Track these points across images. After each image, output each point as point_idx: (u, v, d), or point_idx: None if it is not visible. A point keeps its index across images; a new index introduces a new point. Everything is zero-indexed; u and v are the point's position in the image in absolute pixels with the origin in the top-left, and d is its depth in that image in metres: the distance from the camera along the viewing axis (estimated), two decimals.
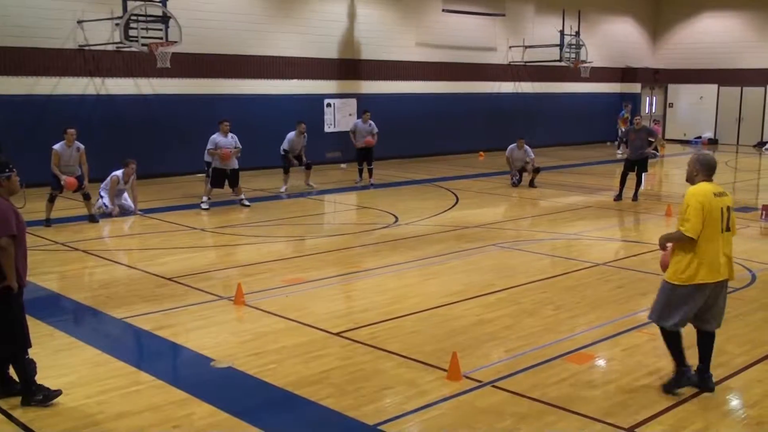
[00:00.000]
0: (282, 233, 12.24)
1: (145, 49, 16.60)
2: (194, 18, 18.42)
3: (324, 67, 21.76)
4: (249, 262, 10.22)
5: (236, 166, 14.48)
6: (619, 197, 15.67)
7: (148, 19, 16.89)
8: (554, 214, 14.26)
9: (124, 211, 13.68)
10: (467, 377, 6.14)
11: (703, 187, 5.74)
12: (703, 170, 5.83)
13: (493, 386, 6.01)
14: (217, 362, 6.52)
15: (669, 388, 5.91)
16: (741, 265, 10.08)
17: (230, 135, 14.49)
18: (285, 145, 16.49)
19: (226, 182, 14.37)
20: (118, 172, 13.50)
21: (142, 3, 16.67)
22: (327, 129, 21.61)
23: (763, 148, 28.42)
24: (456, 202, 15.39)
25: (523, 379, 6.18)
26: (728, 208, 5.78)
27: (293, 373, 6.25)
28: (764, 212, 13.74)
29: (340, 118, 21.89)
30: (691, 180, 5.88)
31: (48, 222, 12.36)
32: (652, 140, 16.46)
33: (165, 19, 16.94)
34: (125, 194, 13.89)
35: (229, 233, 12.21)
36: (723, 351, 6.87)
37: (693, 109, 31.76)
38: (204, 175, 15.09)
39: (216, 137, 14.39)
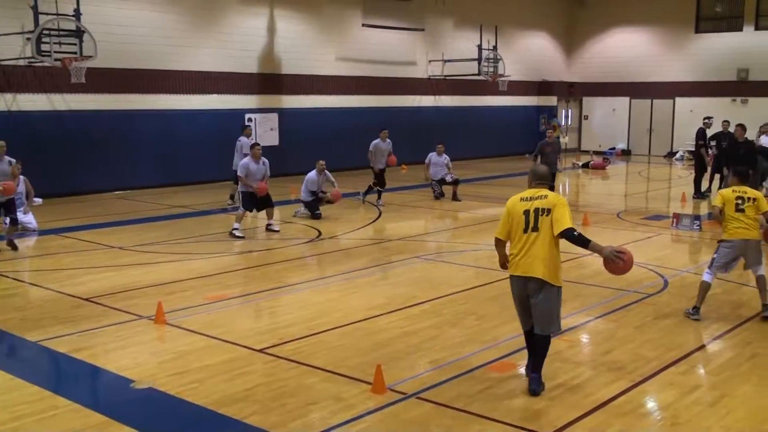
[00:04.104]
0: (204, 250, 12.07)
1: (59, 64, 16.19)
2: (110, 32, 18.07)
3: (244, 81, 21.61)
4: (170, 280, 10.04)
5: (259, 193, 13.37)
6: None
7: (61, 33, 16.49)
8: (476, 226, 14.47)
9: (27, 231, 13.18)
10: (392, 390, 6.17)
11: (516, 195, 6.32)
12: (533, 176, 6.41)
13: (418, 398, 6.06)
14: (137, 383, 6.38)
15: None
16: (654, 272, 10.46)
17: (262, 160, 13.41)
18: (311, 187, 14.95)
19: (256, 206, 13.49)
20: None
21: (55, 17, 16.26)
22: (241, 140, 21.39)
23: (674, 158, 29.48)
24: (379, 216, 15.48)
25: (447, 389, 6.25)
26: (537, 210, 6.08)
27: (216, 392, 6.17)
28: (675, 220, 14.26)
29: (261, 132, 21.75)
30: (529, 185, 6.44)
31: None
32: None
33: (79, 33, 16.56)
34: (30, 214, 13.40)
35: (149, 251, 11.97)
36: (638, 355, 7.11)
37: (607, 121, 32.78)
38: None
39: (247, 162, 13.29)
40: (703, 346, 7.51)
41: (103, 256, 11.60)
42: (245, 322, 8.26)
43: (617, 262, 6.04)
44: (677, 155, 29.66)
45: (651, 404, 6.11)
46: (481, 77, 26.95)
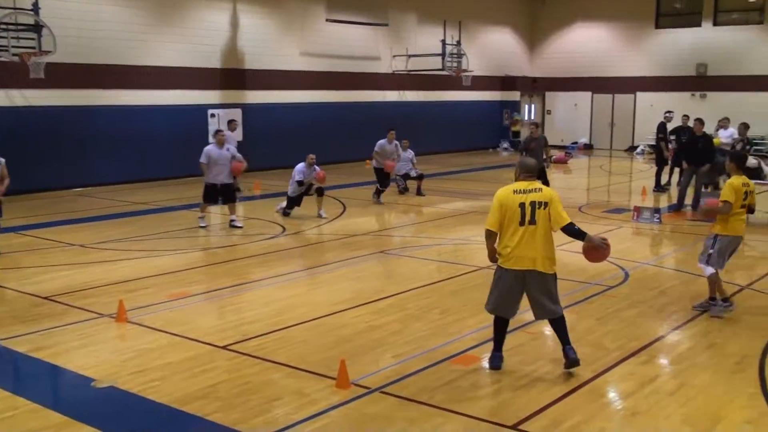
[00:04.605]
0: (166, 247, 11.96)
1: (17, 59, 15.91)
2: (70, 27, 17.81)
3: (207, 76, 21.43)
4: (132, 277, 9.93)
5: (229, 181, 13.43)
6: None
7: (19, 27, 16.21)
8: (440, 220, 14.53)
9: None
10: (356, 384, 6.17)
11: (507, 187, 6.36)
12: (521, 169, 6.46)
13: (382, 392, 6.07)
14: (98, 382, 6.30)
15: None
16: (615, 264, 10.58)
17: (226, 146, 13.33)
18: (298, 177, 14.48)
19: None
20: None
21: (12, 11, 15.98)
22: (211, 140, 21.23)
23: (635, 152, 29.85)
24: (343, 211, 15.46)
25: (411, 383, 6.27)
26: (534, 203, 6.17)
27: (179, 389, 6.12)
28: (636, 213, 14.45)
29: (224, 128, 21.56)
30: (516, 178, 6.50)
31: None
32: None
33: (38, 28, 16.29)
34: None
35: (110, 248, 11.83)
36: (600, 346, 7.20)
37: (569, 115, 33.08)
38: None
39: (210, 148, 13.24)
40: (662, 337, 7.62)
41: (64, 254, 11.43)
42: (208, 319, 8.20)
43: (604, 248, 6.38)
44: (638, 149, 30.04)
45: (612, 394, 6.19)
46: (445, 72, 27.03)
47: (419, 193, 17.64)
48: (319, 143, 23.78)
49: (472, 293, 9.18)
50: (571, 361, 6.37)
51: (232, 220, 13.53)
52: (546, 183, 15.31)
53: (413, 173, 17.92)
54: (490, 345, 7.21)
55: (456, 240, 12.70)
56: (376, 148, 17.00)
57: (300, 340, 7.40)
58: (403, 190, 17.91)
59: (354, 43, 25.50)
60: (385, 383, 6.24)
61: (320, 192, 14.49)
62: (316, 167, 14.61)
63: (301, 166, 14.46)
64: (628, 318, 8.16)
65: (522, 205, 6.16)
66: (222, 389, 6.13)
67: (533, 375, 6.46)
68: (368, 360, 6.82)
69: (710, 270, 8.04)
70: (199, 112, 20.86)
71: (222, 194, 13.34)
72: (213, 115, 21.27)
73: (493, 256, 6.49)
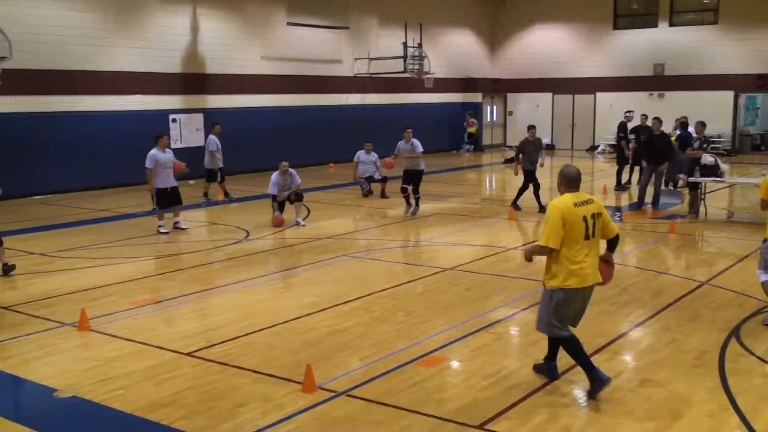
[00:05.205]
0: (129, 254, 11.83)
1: None
2: (28, 32, 17.57)
3: (168, 81, 21.26)
4: (94, 285, 9.81)
5: (176, 184, 13.53)
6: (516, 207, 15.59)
7: None
8: (403, 222, 14.57)
9: None
10: (322, 388, 6.17)
11: (563, 199, 5.95)
12: (564, 181, 6.06)
13: (348, 395, 6.08)
14: (60, 392, 6.22)
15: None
16: None
17: (168, 150, 13.50)
18: (272, 191, 14.22)
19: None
20: None
21: None
22: (174, 145, 21.08)
23: (596, 152, 30.21)
24: (308, 214, 15.41)
25: (377, 385, 6.29)
26: (594, 216, 5.93)
27: (143, 398, 6.07)
28: None
29: (186, 133, 21.46)
30: (559, 190, 6.13)
31: None
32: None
33: None
34: None
35: (72, 257, 11.68)
36: None
37: (531, 116, 33.27)
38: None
39: (154, 153, 13.19)
40: (624, 334, 7.72)
41: (24, 263, 11.24)
42: (172, 326, 8.14)
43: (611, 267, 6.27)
44: (599, 149, 30.41)
45: (576, 391, 6.25)
46: (406, 75, 27.12)
47: (383, 195, 17.68)
48: (283, 147, 23.76)
49: (437, 295, 9.24)
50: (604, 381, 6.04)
51: (176, 223, 13.58)
52: (537, 186, 15.45)
53: (377, 176, 17.96)
54: (456, 345, 7.30)
55: (421, 241, 12.75)
56: (355, 159, 17.35)
57: (265, 345, 7.38)
58: (367, 193, 17.93)
59: (315, 47, 25.48)
60: (352, 386, 6.24)
61: (298, 198, 14.33)
62: (291, 172, 14.32)
63: (274, 176, 14.29)
64: (591, 316, 8.20)
65: (585, 219, 5.88)
66: (187, 396, 6.09)
67: (499, 375, 6.51)
68: (334, 363, 6.82)
69: (765, 276, 7.81)
70: (160, 117, 20.68)
71: (170, 197, 13.38)
72: (174, 120, 21.11)
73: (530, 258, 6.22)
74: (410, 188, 15.23)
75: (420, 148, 14.94)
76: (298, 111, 24.81)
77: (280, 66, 24.37)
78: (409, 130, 15.17)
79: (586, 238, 5.88)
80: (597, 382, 5.98)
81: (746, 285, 9.27)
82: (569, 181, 6.05)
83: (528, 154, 15.45)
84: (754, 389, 6.12)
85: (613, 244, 6.23)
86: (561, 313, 6.03)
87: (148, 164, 13.19)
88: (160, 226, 13.43)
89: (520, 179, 15.95)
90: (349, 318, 8.22)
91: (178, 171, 13.60)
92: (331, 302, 8.81)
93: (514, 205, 15.49)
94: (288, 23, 24.20)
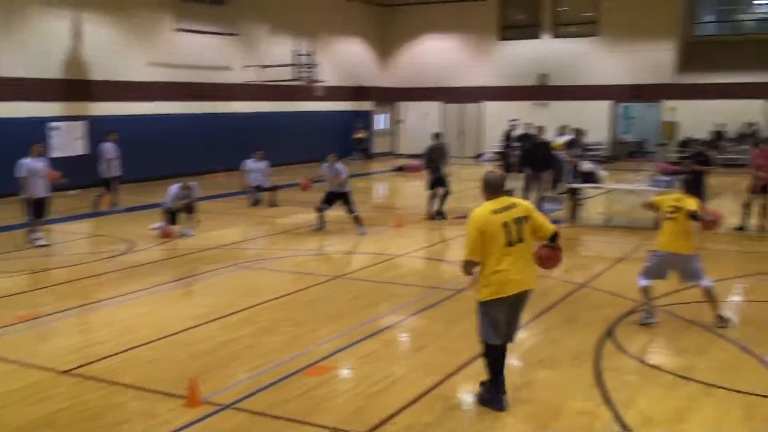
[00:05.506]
0: (4, 268, 11.28)
1: None
2: None
3: (47, 88, 20.40)
4: None
5: (48, 194, 13.03)
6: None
7: None
8: (293, 231, 14.51)
9: None
10: (207, 402, 6.06)
11: (481, 208, 5.86)
12: (486, 188, 5.97)
13: (234, 408, 5.99)
14: None
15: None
16: None
17: (42, 158, 13.05)
18: (168, 203, 13.84)
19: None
20: None
21: None
22: (54, 154, 20.28)
23: (483, 159, 30.93)
24: (197, 224, 15.10)
25: (264, 397, 6.23)
26: (518, 219, 5.82)
27: (15, 420, 5.79)
28: None
29: (67, 142, 20.66)
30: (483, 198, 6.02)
31: None
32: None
33: None
34: None
35: None
36: (448, 350, 7.41)
37: (420, 125, 33.80)
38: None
39: (27, 161, 12.77)
40: None
41: None
42: (49, 343, 7.81)
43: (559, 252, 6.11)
44: (486, 156, 31.14)
45: (460, 395, 6.37)
46: (297, 83, 27.05)
47: (273, 204, 17.54)
48: (172, 156, 23.30)
49: (325, 303, 9.24)
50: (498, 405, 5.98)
51: (37, 238, 12.93)
52: (446, 193, 15.68)
53: (266, 185, 17.81)
54: (343, 354, 7.31)
55: (309, 251, 12.72)
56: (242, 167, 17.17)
57: (148, 359, 7.18)
58: (256, 202, 17.75)
59: (205, 53, 25.05)
60: (238, 399, 6.16)
61: (189, 209, 14.03)
62: (192, 185, 14.10)
63: (175, 188, 13.87)
64: (476, 320, 8.41)
65: (506, 224, 5.76)
66: (64, 416, 5.85)
67: (386, 381, 6.56)
68: (220, 376, 6.71)
69: (644, 282, 8.21)
70: (38, 124, 19.82)
71: (42, 207, 12.97)
72: (54, 128, 20.30)
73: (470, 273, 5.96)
74: (326, 208, 14.39)
75: (344, 174, 14.36)
76: (187, 119, 24.30)
77: (168, 72, 23.82)
78: (333, 155, 14.65)
79: (509, 244, 5.77)
80: (494, 401, 5.97)
81: (621, 287, 9.69)
82: (490, 188, 5.95)
83: (435, 161, 15.77)
84: (626, 385, 6.40)
85: (555, 241, 6.07)
86: (491, 323, 5.96)
87: (20, 173, 12.73)
88: (36, 239, 12.87)
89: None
90: (236, 329, 8.11)
91: (52, 181, 13.15)
92: (217, 314, 8.67)
93: (438, 214, 15.65)
94: (176, 29, 23.71)
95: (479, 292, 5.95)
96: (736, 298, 9.62)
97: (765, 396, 6.26)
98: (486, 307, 5.94)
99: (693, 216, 8.02)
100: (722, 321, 8.08)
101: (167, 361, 7.12)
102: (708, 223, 8.34)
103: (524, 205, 5.97)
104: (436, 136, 16.34)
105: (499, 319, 5.95)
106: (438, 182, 15.76)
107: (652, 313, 8.24)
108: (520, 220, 5.83)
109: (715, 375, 6.72)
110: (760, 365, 7.03)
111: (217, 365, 6.99)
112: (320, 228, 14.27)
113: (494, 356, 6.06)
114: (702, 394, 6.30)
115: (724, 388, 6.40)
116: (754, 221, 13.89)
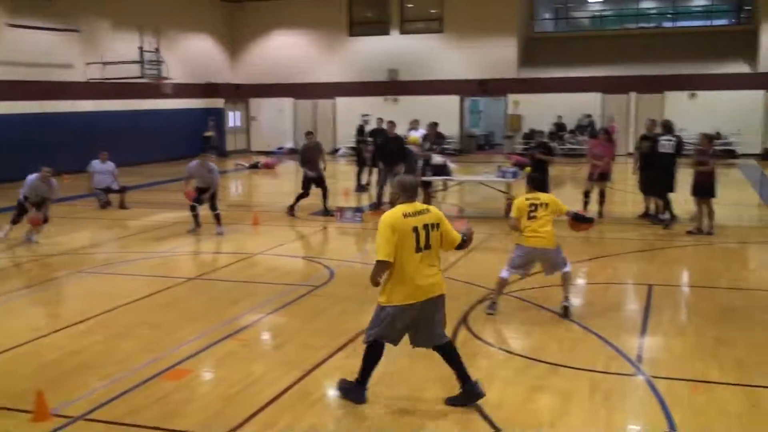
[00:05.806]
0: None
1: None
2: None
3: None
4: None
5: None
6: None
7: None
8: (145, 233, 14.09)
9: None
10: (57, 415, 5.79)
11: (393, 211, 5.73)
12: (401, 191, 5.83)
13: (86, 419, 5.77)
14: None
15: None
16: (321, 264, 11.00)
17: None
18: (24, 191, 13.14)
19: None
20: None
21: None
22: None
23: (337, 155, 31.13)
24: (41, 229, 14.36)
25: (118, 405, 6.03)
26: (427, 226, 5.72)
27: None
28: (339, 214, 15.08)
29: None
30: (393, 203, 5.92)
31: None
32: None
33: None
34: None
35: None
36: (307, 345, 7.45)
37: (274, 121, 33.68)
38: None
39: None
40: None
41: None
42: None
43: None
44: (339, 151, 31.37)
45: (320, 391, 6.42)
46: (144, 80, 26.20)
47: (123, 206, 16.93)
48: (8, 158, 21.97)
49: (182, 305, 9.05)
50: (478, 395, 5.99)
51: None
52: (325, 190, 15.41)
53: (114, 186, 17.18)
54: (202, 355, 7.19)
55: (163, 252, 12.39)
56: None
57: None
58: (105, 205, 17.08)
59: (43, 50, 23.78)
60: (91, 409, 5.93)
61: (41, 207, 13.24)
62: (52, 182, 13.36)
63: (32, 178, 13.16)
64: (335, 315, 8.52)
65: (416, 230, 5.62)
66: None
67: (246, 381, 6.51)
68: (71, 387, 6.43)
69: (506, 274, 8.43)
70: None
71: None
72: None
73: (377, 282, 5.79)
74: (200, 207, 14.08)
75: (216, 173, 14.23)
76: (24, 119, 23.01)
77: (3, 71, 22.47)
78: (208, 155, 14.58)
79: (418, 250, 5.66)
80: (354, 393, 6.02)
81: (473, 275, 10.04)
82: (405, 191, 5.80)
83: (309, 161, 15.53)
84: (479, 370, 6.65)
85: (460, 248, 6.13)
86: (385, 328, 5.85)
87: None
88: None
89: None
90: (86, 336, 7.80)
91: None
92: (65, 322, 8.29)
93: (291, 210, 15.45)
94: (9, 24, 22.38)
95: (383, 296, 5.83)
96: (579, 282, 10.19)
97: (605, 372, 6.70)
98: (386, 312, 5.81)
99: (575, 217, 8.47)
100: (567, 302, 8.44)
101: (12, 375, 6.75)
102: (584, 223, 8.74)
103: (435, 212, 5.87)
104: (309, 134, 16.22)
105: (398, 326, 5.85)
106: (314, 181, 15.58)
107: (497, 304, 8.54)
108: (430, 227, 5.73)
109: (564, 355, 7.11)
110: (600, 343, 7.50)
111: (67, 376, 6.70)
112: (195, 229, 13.84)
113: (377, 356, 6.03)
114: (550, 374, 6.66)
115: (571, 367, 6.79)
116: (592, 208, 14.74)
